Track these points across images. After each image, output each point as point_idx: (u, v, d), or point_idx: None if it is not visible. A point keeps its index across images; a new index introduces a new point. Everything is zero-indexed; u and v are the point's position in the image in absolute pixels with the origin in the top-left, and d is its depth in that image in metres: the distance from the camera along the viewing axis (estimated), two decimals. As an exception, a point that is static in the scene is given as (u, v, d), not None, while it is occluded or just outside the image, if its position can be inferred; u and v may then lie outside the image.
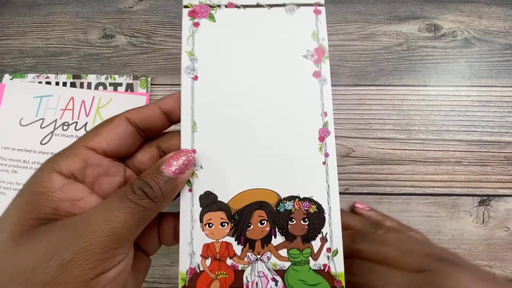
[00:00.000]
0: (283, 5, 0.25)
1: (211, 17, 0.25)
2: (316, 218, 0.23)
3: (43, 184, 0.20)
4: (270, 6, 0.25)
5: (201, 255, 0.23)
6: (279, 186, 0.23)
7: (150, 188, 0.20)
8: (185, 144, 0.23)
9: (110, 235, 0.18)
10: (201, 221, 0.23)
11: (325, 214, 0.23)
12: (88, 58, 0.37)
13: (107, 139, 0.22)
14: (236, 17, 0.25)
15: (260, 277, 0.23)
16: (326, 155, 0.24)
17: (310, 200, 0.23)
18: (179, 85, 0.36)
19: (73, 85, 0.36)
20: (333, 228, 0.23)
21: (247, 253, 0.23)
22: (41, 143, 0.34)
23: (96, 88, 0.35)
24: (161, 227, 0.24)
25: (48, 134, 0.34)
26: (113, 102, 0.35)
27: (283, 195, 0.23)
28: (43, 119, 0.34)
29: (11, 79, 0.36)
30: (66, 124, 0.34)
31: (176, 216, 0.24)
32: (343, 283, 0.23)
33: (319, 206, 0.23)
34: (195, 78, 0.24)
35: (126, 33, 0.37)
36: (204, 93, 0.24)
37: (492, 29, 0.36)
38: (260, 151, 0.24)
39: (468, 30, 0.36)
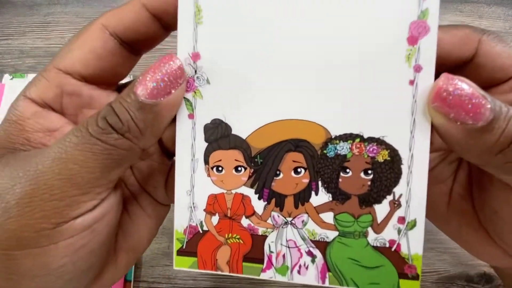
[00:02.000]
0: None
1: None
2: (388, 171, 0.15)
3: (15, 112, 0.16)
4: None
5: (205, 210, 0.16)
6: (329, 118, 0.15)
7: (117, 118, 0.14)
8: (182, 44, 0.15)
9: (64, 178, 0.14)
10: (206, 162, 0.16)
11: (401, 166, 0.15)
12: (88, 58, 0.37)
13: (82, 59, 0.16)
14: None
15: (289, 247, 0.16)
16: (417, 69, 0.14)
17: (379, 142, 0.15)
18: (179, 85, 0.36)
19: (73, 85, 0.36)
20: (412, 188, 0.15)
21: (272, 213, 0.16)
22: (41, 143, 0.34)
23: (96, 88, 0.36)
24: (170, 176, 0.19)
25: (48, 134, 0.34)
26: (113, 102, 0.35)
27: (334, 132, 0.15)
28: (43, 119, 0.34)
29: (11, 79, 0.36)
30: (66, 124, 0.34)
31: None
32: (419, 271, 0.16)
33: (393, 152, 0.15)
34: None
35: (126, 33, 0.37)
36: None
37: (492, 29, 0.36)
38: (302, 58, 0.15)
39: (468, 30, 0.36)
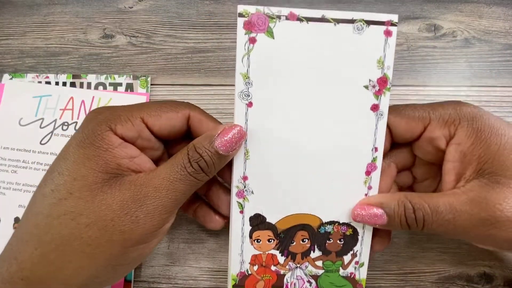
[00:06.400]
0: (352, 21, 0.23)
1: (269, 33, 0.22)
2: (351, 240, 0.26)
3: (105, 141, 0.22)
4: (337, 21, 0.22)
5: (249, 263, 0.27)
6: (322, 212, 0.26)
7: (205, 163, 0.22)
8: (237, 170, 0.25)
9: (173, 201, 0.22)
10: (250, 237, 0.26)
11: (358, 236, 0.26)
12: (88, 58, 0.37)
13: (164, 126, 0.24)
14: (297, 34, 0.22)
15: (298, 279, 0.27)
16: (369, 187, 0.25)
17: (347, 225, 0.26)
18: (179, 85, 0.36)
19: (72, 85, 0.36)
20: (363, 247, 0.26)
21: (289, 262, 0.27)
22: (40, 143, 0.34)
23: (96, 88, 0.35)
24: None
25: (47, 134, 0.34)
26: (113, 102, 0.35)
27: (324, 219, 0.26)
28: (42, 119, 0.34)
29: (11, 79, 0.36)
30: (66, 124, 0.34)
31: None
32: (363, 285, 0.27)
33: (354, 230, 0.26)
34: (250, 104, 0.23)
35: (126, 33, 0.37)
36: (258, 120, 0.24)
37: (492, 29, 0.36)
38: (308, 178, 0.25)
39: (468, 30, 0.36)
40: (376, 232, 0.27)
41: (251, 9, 0.22)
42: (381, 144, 0.24)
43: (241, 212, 0.25)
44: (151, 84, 0.35)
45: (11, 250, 0.21)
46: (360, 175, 0.25)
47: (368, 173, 0.25)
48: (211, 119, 0.25)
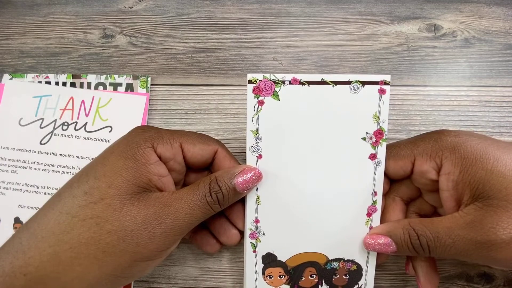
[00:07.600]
0: (348, 82, 0.25)
1: (275, 95, 0.25)
2: (356, 275, 0.28)
3: (144, 156, 0.23)
4: (335, 83, 0.25)
5: None
6: (328, 250, 0.28)
7: (222, 196, 0.24)
8: (249, 214, 0.27)
9: (187, 225, 0.23)
10: (263, 273, 0.28)
11: (362, 272, 0.28)
12: (88, 58, 0.37)
13: (195, 154, 0.26)
14: (300, 95, 0.25)
15: None
16: (371, 228, 0.27)
17: (352, 261, 0.28)
18: (179, 85, 0.36)
19: (72, 85, 0.36)
20: (367, 281, 0.28)
21: None
22: (40, 143, 0.34)
23: (96, 88, 0.35)
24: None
25: (47, 134, 0.34)
26: (113, 102, 0.35)
27: (331, 257, 0.28)
28: (42, 119, 0.34)
29: (11, 79, 0.36)
30: (66, 124, 0.34)
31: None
32: None
33: (359, 266, 0.28)
34: (259, 156, 0.26)
35: (126, 33, 0.37)
36: (267, 170, 0.26)
37: (492, 29, 0.36)
38: (315, 220, 0.27)
39: (468, 30, 0.36)
40: (423, 274, 0.27)
41: (259, 76, 0.25)
42: (380, 189, 0.27)
43: (254, 251, 0.28)
44: (151, 84, 0.35)
45: (20, 244, 0.21)
46: (362, 217, 0.27)
47: (369, 215, 0.27)
48: (233, 158, 0.27)
